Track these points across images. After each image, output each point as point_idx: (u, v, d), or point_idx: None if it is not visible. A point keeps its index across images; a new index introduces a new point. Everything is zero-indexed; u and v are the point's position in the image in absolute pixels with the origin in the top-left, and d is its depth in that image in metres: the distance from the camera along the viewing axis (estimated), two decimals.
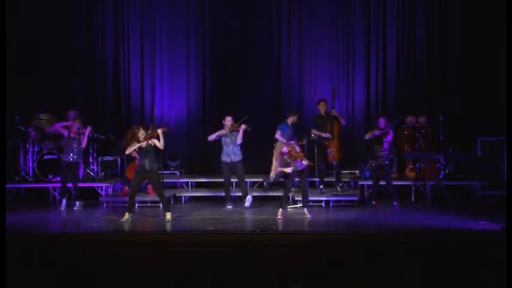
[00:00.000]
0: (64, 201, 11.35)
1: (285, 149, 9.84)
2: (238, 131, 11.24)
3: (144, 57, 14.26)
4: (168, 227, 9.69)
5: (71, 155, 11.39)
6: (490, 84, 12.68)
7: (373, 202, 11.00)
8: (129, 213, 9.99)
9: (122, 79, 14.23)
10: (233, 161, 11.27)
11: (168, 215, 10.04)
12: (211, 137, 11.45)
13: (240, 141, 11.28)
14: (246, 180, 11.80)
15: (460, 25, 13.31)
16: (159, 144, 9.93)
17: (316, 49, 14.03)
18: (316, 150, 11.78)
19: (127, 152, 10.15)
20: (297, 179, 10.50)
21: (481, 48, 12.89)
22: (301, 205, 11.21)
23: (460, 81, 13.23)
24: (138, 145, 9.92)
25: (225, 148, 11.33)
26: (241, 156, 11.33)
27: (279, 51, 14.07)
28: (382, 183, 11.14)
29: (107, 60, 14.21)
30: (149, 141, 9.92)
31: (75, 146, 11.41)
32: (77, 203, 11.34)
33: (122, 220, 9.88)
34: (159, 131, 9.94)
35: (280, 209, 10.11)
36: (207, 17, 14.17)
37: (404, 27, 13.76)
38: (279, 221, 9.89)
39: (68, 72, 13.93)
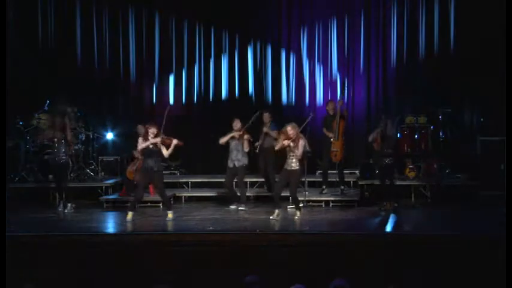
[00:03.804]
0: (63, 202, 11.28)
1: None
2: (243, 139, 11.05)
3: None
4: (169, 226, 9.71)
5: (60, 156, 11.25)
6: (490, 84, 12.66)
7: (385, 203, 10.75)
8: (132, 212, 10.00)
9: (122, 79, 14.22)
10: (236, 166, 11.19)
11: (170, 214, 10.09)
12: (222, 140, 11.25)
13: (247, 149, 11.11)
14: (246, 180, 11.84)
15: (461, 24, 13.29)
16: (165, 152, 9.91)
17: (316, 49, 14.02)
18: (321, 147, 11.82)
19: (139, 148, 10.07)
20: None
21: (481, 47, 12.87)
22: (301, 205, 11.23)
23: (460, 81, 13.20)
24: (152, 141, 9.84)
25: (230, 154, 11.22)
26: (245, 162, 11.17)
27: (279, 51, 14.04)
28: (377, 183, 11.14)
29: (106, 58, 14.17)
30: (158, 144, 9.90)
31: (63, 147, 11.26)
32: (68, 205, 11.11)
33: (126, 220, 9.89)
34: (175, 141, 9.90)
35: (276, 210, 10.08)
36: (207, 17, 14.16)
37: (405, 26, 13.75)
38: (275, 222, 9.85)
39: (67, 71, 13.88)
